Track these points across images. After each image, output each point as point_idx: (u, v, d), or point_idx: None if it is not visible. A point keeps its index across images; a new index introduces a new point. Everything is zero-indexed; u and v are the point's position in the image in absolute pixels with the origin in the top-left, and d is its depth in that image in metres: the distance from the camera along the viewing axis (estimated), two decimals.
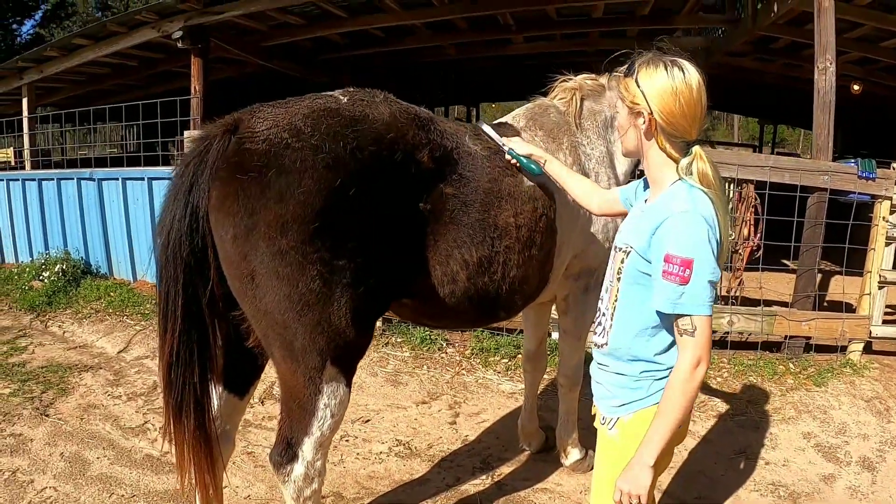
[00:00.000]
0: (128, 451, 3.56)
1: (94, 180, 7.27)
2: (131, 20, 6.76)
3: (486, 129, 2.56)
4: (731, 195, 5.26)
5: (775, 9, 6.34)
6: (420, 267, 2.21)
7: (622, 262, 1.74)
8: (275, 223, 1.80)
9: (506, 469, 3.43)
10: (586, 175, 2.71)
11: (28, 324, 6.24)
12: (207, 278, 1.97)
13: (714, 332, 4.99)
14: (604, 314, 1.83)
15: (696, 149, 1.67)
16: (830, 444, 3.73)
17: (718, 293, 5.60)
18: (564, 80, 2.93)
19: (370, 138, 1.98)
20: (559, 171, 2.42)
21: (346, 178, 1.88)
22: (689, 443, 3.67)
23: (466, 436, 3.78)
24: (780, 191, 4.83)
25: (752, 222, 5.22)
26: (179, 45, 6.59)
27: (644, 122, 1.69)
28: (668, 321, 1.64)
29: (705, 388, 4.42)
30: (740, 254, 5.35)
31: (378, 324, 5.24)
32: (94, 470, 3.38)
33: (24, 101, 8.76)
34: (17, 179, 8.12)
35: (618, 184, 2.86)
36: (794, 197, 4.74)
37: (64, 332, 5.99)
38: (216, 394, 2.32)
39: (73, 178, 7.51)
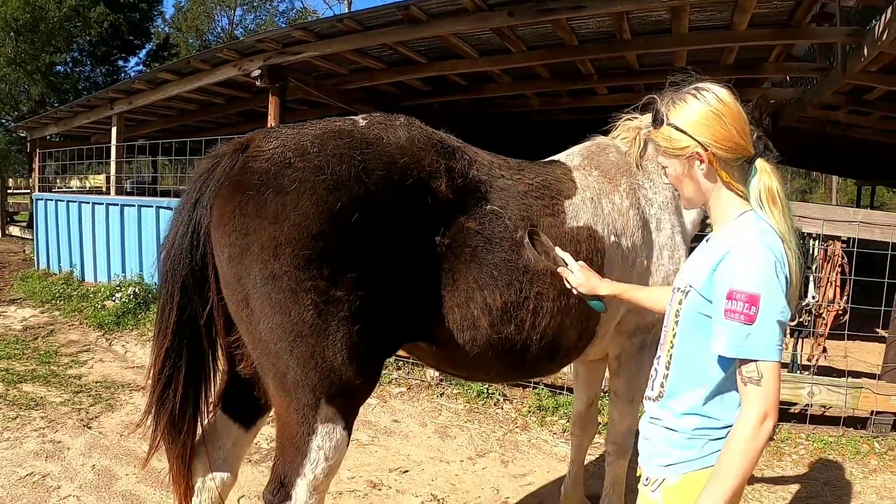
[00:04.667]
0: (157, 472, 3.53)
1: (171, 209, 7.56)
2: (213, 58, 7.08)
3: (545, 242, 2.07)
4: (814, 253, 4.82)
5: (865, 53, 5.89)
6: (435, 308, 2.03)
7: (680, 303, 1.55)
8: (268, 245, 1.70)
9: None
10: (646, 221, 2.49)
11: (94, 340, 6.53)
12: (207, 299, 1.89)
13: (794, 404, 4.62)
14: (658, 363, 1.63)
15: (759, 163, 1.50)
16: None
17: (799, 361, 5.13)
18: (629, 119, 2.72)
19: (379, 162, 1.86)
20: (633, 295, 2.02)
21: (349, 202, 1.76)
22: None
23: (507, 498, 3.54)
24: (869, 248, 4.40)
25: (838, 283, 4.75)
26: (258, 83, 6.84)
27: (701, 164, 1.51)
28: (730, 368, 1.45)
29: (778, 466, 3.96)
30: (824, 318, 4.86)
31: (435, 373, 5.08)
32: (121, 486, 3.43)
33: (114, 130, 9.36)
34: (102, 204, 8.65)
35: (683, 233, 2.62)
36: (886, 255, 4.35)
37: (126, 352, 6.20)
38: (216, 421, 2.23)
39: (152, 206, 7.89)
